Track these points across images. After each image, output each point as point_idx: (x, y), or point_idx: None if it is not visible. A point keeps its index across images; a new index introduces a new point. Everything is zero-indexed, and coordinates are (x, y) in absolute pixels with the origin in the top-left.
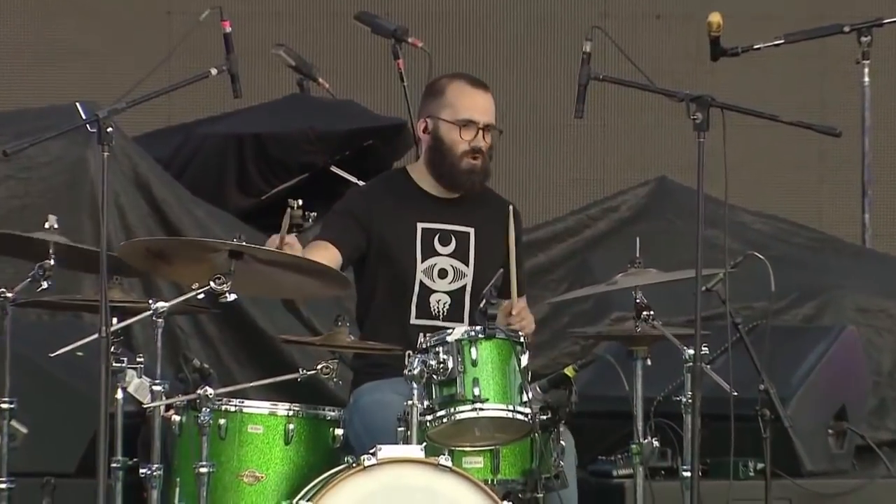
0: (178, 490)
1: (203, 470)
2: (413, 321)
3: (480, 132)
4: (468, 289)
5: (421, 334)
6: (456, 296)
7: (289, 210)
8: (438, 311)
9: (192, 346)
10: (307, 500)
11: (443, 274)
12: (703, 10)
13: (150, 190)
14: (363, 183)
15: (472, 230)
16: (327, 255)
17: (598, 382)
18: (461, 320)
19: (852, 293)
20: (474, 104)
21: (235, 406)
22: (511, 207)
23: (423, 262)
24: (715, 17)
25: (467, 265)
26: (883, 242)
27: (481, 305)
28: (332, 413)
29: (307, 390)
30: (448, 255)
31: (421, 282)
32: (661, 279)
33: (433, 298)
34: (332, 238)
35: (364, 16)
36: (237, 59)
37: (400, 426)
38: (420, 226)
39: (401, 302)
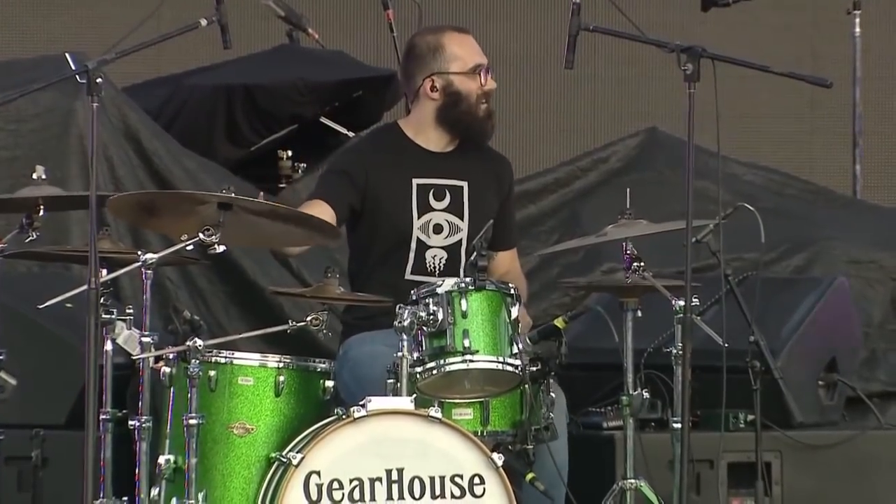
0: (167, 442)
1: (192, 422)
2: (408, 277)
3: (485, 73)
4: (464, 243)
5: (413, 291)
6: (452, 250)
7: None
8: (434, 267)
9: (181, 297)
10: (297, 452)
11: (438, 229)
12: None
13: (140, 141)
14: (353, 134)
15: (465, 183)
16: (322, 213)
17: (588, 334)
18: (457, 275)
19: (843, 244)
20: (475, 48)
21: (225, 358)
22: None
23: (419, 218)
24: None
25: (462, 219)
26: (874, 193)
27: (472, 257)
28: (323, 365)
29: (297, 342)
30: (443, 210)
31: (417, 238)
32: (650, 230)
33: (429, 254)
34: (326, 197)
35: None
36: (227, 9)
37: (389, 378)
38: (415, 182)
39: (397, 258)
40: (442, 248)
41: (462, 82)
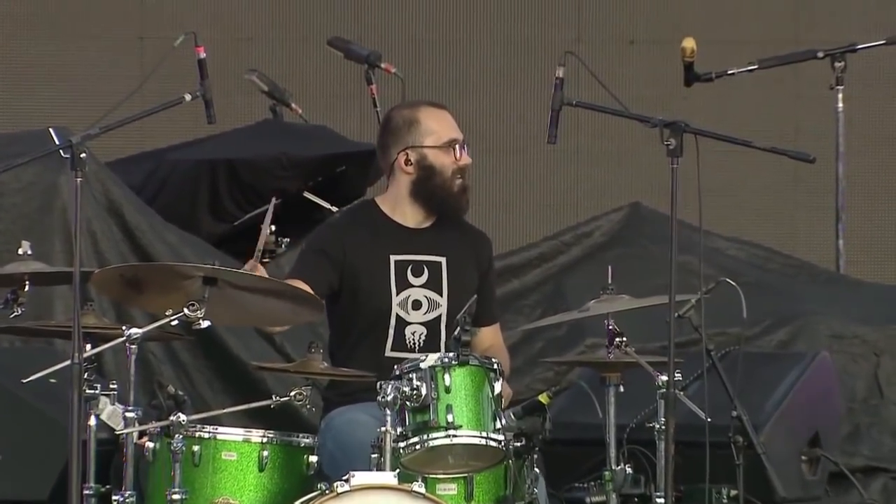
0: None
1: (176, 497)
2: (388, 353)
3: (460, 149)
4: (443, 318)
5: (396, 366)
6: (431, 326)
7: (264, 230)
8: (414, 343)
9: (165, 372)
10: None
11: (417, 305)
12: (676, 36)
13: (123, 216)
14: (336, 209)
15: (443, 259)
16: None
17: (572, 409)
18: (437, 351)
19: (826, 319)
20: (450, 124)
21: (209, 433)
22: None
23: (397, 294)
24: (689, 43)
25: (441, 295)
26: (857, 268)
27: (455, 332)
28: (306, 440)
29: (281, 417)
30: (421, 286)
31: (396, 315)
32: (633, 306)
33: (408, 330)
34: (305, 276)
35: (337, 41)
36: (211, 84)
37: (373, 453)
38: (393, 258)
39: (376, 335)
40: (421, 324)
41: (436, 156)
